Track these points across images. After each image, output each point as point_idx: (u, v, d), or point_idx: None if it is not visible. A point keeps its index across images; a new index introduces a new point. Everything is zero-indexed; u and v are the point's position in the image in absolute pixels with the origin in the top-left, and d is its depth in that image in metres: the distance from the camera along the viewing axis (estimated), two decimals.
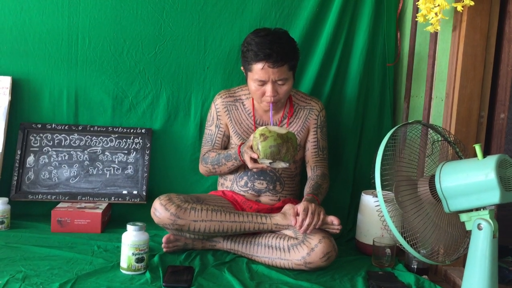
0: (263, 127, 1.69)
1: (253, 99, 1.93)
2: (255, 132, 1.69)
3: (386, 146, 1.41)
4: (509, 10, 1.69)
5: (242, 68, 1.88)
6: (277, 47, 1.74)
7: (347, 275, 1.66)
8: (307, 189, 1.88)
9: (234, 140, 1.95)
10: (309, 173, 1.97)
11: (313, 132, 1.97)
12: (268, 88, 1.79)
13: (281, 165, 1.68)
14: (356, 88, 2.20)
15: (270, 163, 1.68)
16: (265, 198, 1.92)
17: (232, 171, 1.94)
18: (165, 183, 2.21)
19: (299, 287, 1.56)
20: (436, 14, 1.66)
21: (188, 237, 1.78)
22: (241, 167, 1.92)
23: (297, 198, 2.01)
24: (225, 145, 2.00)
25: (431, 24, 1.70)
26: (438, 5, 1.64)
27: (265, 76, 1.77)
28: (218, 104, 1.97)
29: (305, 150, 1.99)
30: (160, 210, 1.71)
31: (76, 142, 2.17)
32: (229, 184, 1.96)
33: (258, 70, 1.76)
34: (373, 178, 1.40)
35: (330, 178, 2.07)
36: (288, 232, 1.78)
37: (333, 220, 1.73)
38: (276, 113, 1.94)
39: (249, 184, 1.92)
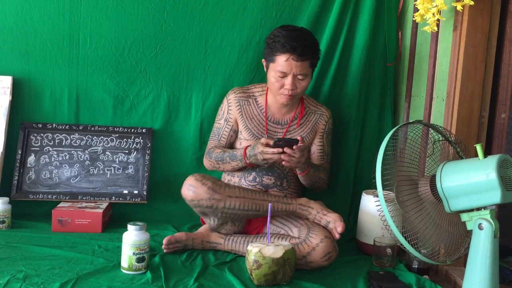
0: (257, 249, 1.52)
1: (266, 96, 1.96)
2: (248, 252, 1.54)
3: (387, 146, 1.41)
4: (510, 10, 1.68)
5: (263, 60, 1.93)
6: (303, 42, 1.81)
7: (348, 275, 1.66)
8: None
9: (244, 135, 1.96)
10: None
11: (320, 136, 2.00)
12: (288, 81, 1.83)
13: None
14: (357, 88, 2.20)
15: None
16: (272, 194, 1.92)
17: (239, 169, 1.94)
18: (165, 182, 2.21)
19: (300, 287, 1.56)
20: (433, 14, 1.66)
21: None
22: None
23: (300, 196, 2.01)
24: (232, 141, 2.00)
25: (429, 24, 1.70)
26: (436, 5, 1.64)
27: (288, 68, 1.81)
28: (230, 98, 1.99)
29: (311, 153, 2.01)
30: (196, 185, 1.71)
31: (77, 141, 2.17)
32: (237, 180, 1.95)
33: (282, 61, 1.81)
34: (374, 178, 1.40)
35: (331, 178, 2.08)
36: (291, 232, 1.80)
37: (337, 227, 1.76)
38: (288, 112, 1.97)
39: (257, 179, 1.92)
